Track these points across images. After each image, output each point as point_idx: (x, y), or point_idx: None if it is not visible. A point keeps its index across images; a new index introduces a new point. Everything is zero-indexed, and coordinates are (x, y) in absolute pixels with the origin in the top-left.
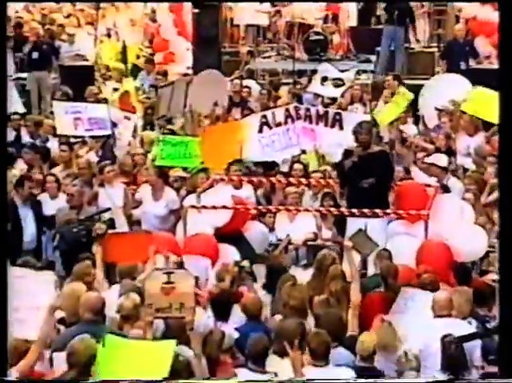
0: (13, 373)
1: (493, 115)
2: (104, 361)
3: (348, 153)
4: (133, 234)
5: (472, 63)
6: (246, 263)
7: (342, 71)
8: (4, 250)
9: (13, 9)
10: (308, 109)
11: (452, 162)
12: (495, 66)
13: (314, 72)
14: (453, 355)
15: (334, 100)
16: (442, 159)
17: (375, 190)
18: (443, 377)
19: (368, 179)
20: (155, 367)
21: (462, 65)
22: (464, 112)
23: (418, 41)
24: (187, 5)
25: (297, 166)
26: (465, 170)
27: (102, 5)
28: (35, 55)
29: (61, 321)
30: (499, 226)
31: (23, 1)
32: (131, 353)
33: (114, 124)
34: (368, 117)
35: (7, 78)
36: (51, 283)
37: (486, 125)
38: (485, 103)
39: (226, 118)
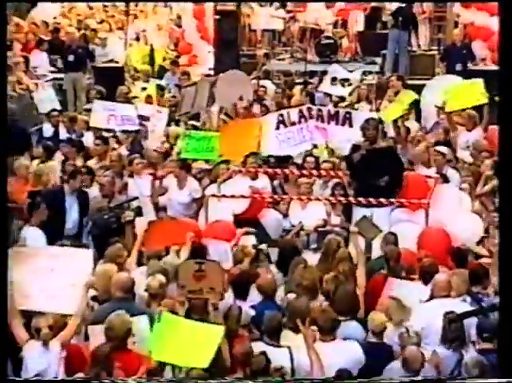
0: (55, 345)
1: (475, 99)
2: (157, 336)
3: (356, 148)
4: (163, 221)
5: (469, 65)
6: (264, 247)
7: (350, 71)
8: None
9: (50, 16)
10: (320, 110)
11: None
12: (491, 67)
13: (324, 73)
14: (453, 330)
15: (342, 98)
16: (444, 149)
17: (386, 185)
18: (443, 351)
19: (383, 178)
20: (202, 349)
21: (458, 67)
22: (451, 112)
23: (419, 45)
24: (210, 12)
25: (309, 159)
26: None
27: (131, 11)
28: (71, 58)
29: (94, 298)
30: (499, 212)
31: (23, 1)
32: (182, 332)
33: (146, 119)
34: (374, 115)
35: (7, 78)
36: (86, 263)
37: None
38: (463, 94)
39: (249, 111)
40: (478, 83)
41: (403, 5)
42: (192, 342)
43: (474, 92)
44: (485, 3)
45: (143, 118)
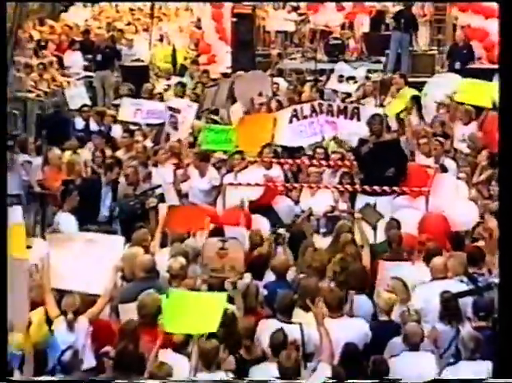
0: (83, 321)
1: (482, 100)
2: (168, 310)
3: (363, 141)
4: (184, 206)
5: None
6: (281, 231)
7: (355, 69)
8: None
9: (82, 18)
10: (330, 105)
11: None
12: (486, 66)
13: (332, 71)
14: (451, 308)
15: (348, 94)
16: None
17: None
18: (441, 327)
19: (390, 169)
20: (209, 316)
21: (457, 65)
22: (459, 103)
23: (418, 45)
24: (227, 14)
25: (319, 150)
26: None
27: (156, 14)
28: (100, 57)
29: (123, 278)
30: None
31: (23, 1)
32: (189, 304)
33: (177, 111)
34: (380, 110)
35: (7, 77)
36: (117, 248)
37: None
38: (474, 92)
39: (268, 105)
40: (492, 86)
41: (404, 7)
42: (199, 311)
43: (484, 94)
44: (481, 6)
45: (174, 110)
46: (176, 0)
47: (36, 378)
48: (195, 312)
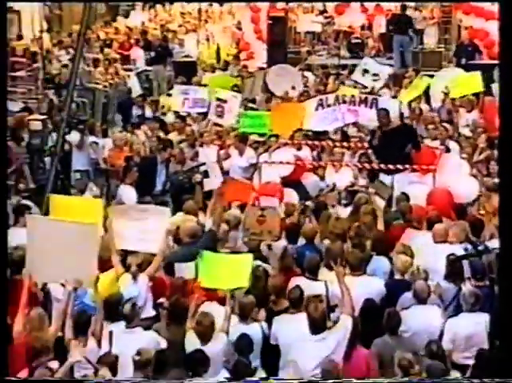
0: (144, 277)
1: (473, 88)
2: (203, 269)
3: (373, 133)
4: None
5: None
6: (309, 203)
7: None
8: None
9: (140, 20)
10: (353, 96)
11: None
12: (488, 62)
13: (354, 66)
14: (454, 268)
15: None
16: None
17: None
18: (445, 284)
19: (408, 147)
20: (239, 274)
21: (463, 61)
22: (454, 98)
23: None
24: (264, 17)
25: (340, 133)
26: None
27: (202, 17)
28: (155, 54)
29: (174, 240)
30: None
31: (22, 1)
32: (220, 264)
33: (224, 101)
34: (394, 101)
35: (7, 77)
36: (166, 216)
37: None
38: (463, 84)
39: (300, 96)
40: (476, 75)
41: (401, 12)
42: (229, 270)
43: (473, 83)
44: (482, 10)
45: (221, 101)
46: (221, 0)
47: (36, 378)
48: (226, 270)
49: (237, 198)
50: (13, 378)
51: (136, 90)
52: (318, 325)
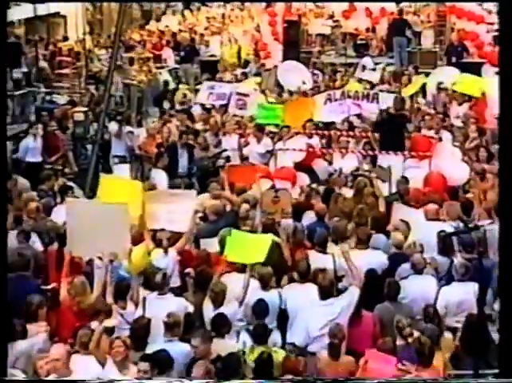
0: (172, 251)
1: (474, 91)
2: (230, 245)
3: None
4: (244, 166)
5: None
6: (316, 186)
7: (376, 63)
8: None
9: (171, 24)
10: (357, 91)
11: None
12: (477, 60)
13: (358, 64)
14: (446, 243)
15: (370, 82)
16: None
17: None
18: (439, 257)
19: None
20: (259, 250)
21: (453, 60)
22: (455, 91)
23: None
24: (280, 21)
25: (346, 124)
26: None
27: (226, 21)
28: (183, 54)
29: (201, 218)
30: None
31: (22, 2)
32: (245, 241)
33: (246, 95)
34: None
35: (6, 75)
36: (193, 198)
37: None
38: (468, 83)
39: (311, 90)
40: (481, 81)
41: (398, 17)
42: (251, 247)
43: (475, 86)
44: (473, 14)
45: (244, 95)
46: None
47: (35, 378)
48: (249, 247)
49: (241, 180)
50: (13, 378)
51: (167, 85)
52: (327, 292)
